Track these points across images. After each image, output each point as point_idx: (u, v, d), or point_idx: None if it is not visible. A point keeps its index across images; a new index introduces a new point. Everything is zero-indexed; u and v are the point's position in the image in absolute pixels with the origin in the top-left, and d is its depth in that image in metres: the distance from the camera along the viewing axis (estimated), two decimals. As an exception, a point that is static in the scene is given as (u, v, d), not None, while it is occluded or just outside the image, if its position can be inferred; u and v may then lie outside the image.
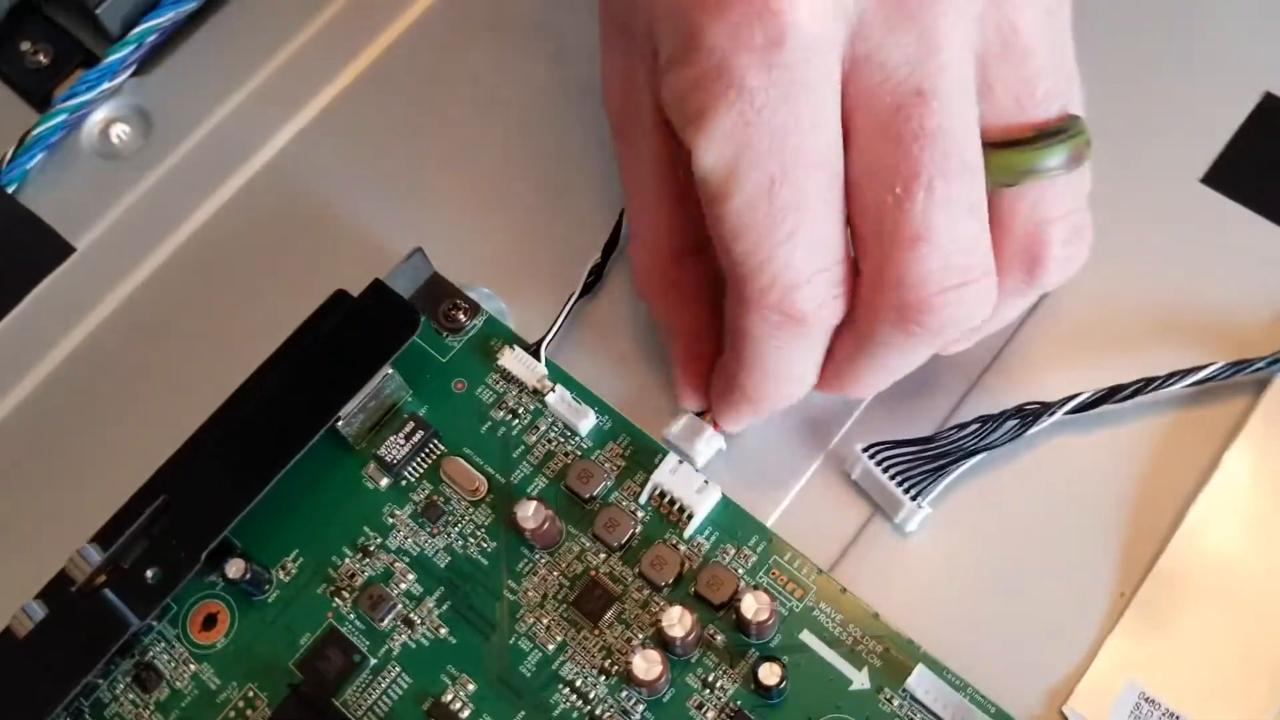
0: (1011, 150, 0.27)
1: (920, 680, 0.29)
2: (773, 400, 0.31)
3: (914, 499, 0.31)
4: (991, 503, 0.32)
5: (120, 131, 0.41)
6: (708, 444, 0.32)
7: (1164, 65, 0.36)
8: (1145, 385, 0.32)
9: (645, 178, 0.31)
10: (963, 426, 0.32)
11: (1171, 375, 0.32)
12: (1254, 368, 0.32)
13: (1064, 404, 0.32)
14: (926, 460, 0.32)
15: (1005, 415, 0.32)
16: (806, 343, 0.29)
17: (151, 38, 0.41)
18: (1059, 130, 0.27)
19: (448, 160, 0.39)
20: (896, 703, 0.30)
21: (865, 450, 0.32)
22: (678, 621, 0.30)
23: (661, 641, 0.30)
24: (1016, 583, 0.31)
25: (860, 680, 0.30)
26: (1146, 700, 0.29)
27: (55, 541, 0.32)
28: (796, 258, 0.27)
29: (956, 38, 0.26)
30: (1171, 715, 0.29)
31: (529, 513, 0.31)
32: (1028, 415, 0.32)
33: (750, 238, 0.27)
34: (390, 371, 0.33)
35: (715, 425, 0.33)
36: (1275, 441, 0.32)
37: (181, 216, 0.39)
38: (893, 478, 0.32)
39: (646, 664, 0.29)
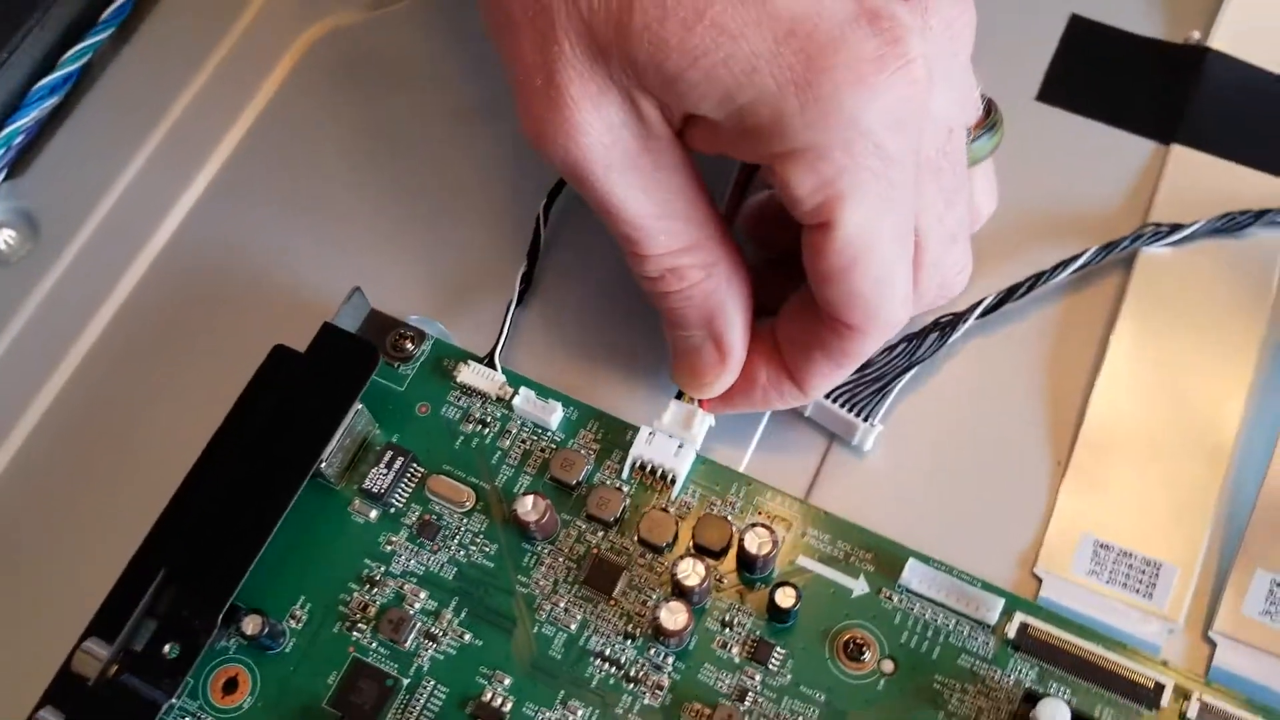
0: (972, 147, 0.32)
1: (912, 573, 0.33)
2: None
3: (866, 420, 0.35)
4: (931, 409, 0.36)
5: (6, 238, 0.40)
6: (701, 425, 0.35)
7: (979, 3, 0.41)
8: (1036, 280, 0.36)
9: (681, 183, 0.31)
10: (892, 348, 0.35)
11: (1056, 267, 0.36)
12: (1121, 247, 0.36)
13: (972, 310, 0.36)
14: (868, 384, 0.35)
15: (926, 331, 0.36)
16: None
17: (19, 140, 0.41)
18: (993, 123, 0.32)
19: (350, 201, 0.40)
20: (896, 598, 0.33)
21: None
22: (692, 571, 0.32)
23: (678, 593, 0.32)
24: (969, 473, 0.35)
25: (860, 587, 0.33)
26: (1101, 546, 0.34)
27: (31, 641, 0.33)
28: (906, 281, 0.31)
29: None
30: (1125, 553, 0.33)
31: (529, 507, 0.33)
32: (944, 326, 0.36)
33: (885, 285, 0.30)
34: (360, 407, 0.34)
35: (703, 405, 0.35)
36: (1150, 306, 0.36)
37: (92, 310, 0.39)
38: (843, 406, 0.35)
39: (672, 614, 0.32)
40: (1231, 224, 0.36)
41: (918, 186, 0.30)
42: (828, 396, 0.35)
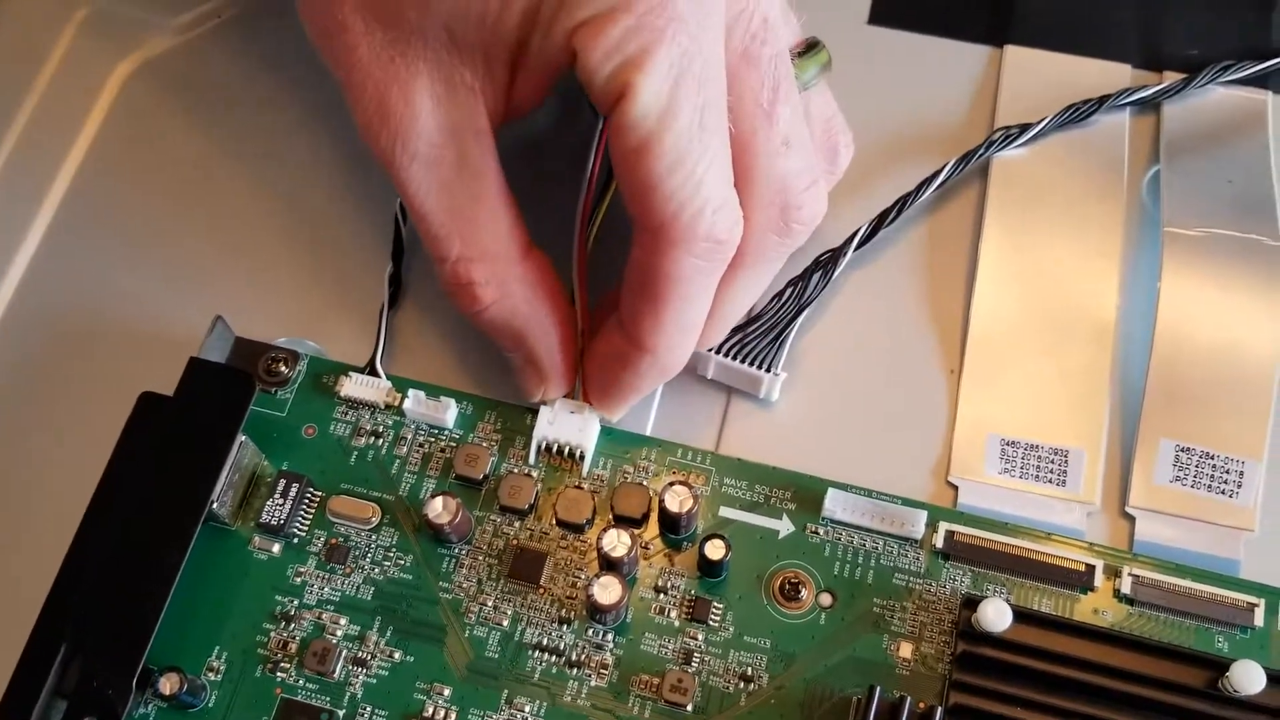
0: (796, 61, 0.31)
1: (833, 503, 0.32)
2: (682, 355, 0.32)
3: (768, 371, 0.34)
4: (824, 345, 0.36)
5: None
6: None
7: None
8: (903, 203, 0.36)
9: (482, 190, 0.31)
10: (779, 295, 0.35)
11: (919, 187, 0.36)
12: (976, 157, 0.37)
13: (849, 243, 0.36)
14: (763, 335, 0.35)
15: (808, 271, 0.35)
16: (717, 276, 0.31)
17: None
18: (815, 43, 0.32)
19: (194, 231, 0.38)
20: (822, 531, 0.33)
21: (709, 349, 0.35)
22: (618, 542, 0.31)
23: (608, 567, 0.32)
24: (870, 397, 0.35)
25: (785, 527, 0.33)
26: (1008, 444, 0.34)
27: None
28: (718, 182, 0.29)
29: None
30: (1031, 446, 0.34)
31: (440, 508, 0.32)
32: (825, 264, 0.35)
33: (683, 169, 0.28)
34: (244, 439, 0.33)
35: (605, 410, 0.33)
36: (1012, 207, 0.37)
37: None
38: (744, 361, 0.35)
39: (605, 589, 0.31)
40: (1077, 115, 0.37)
41: (735, 75, 0.29)
42: (727, 354, 0.35)
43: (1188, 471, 0.33)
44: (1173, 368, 0.34)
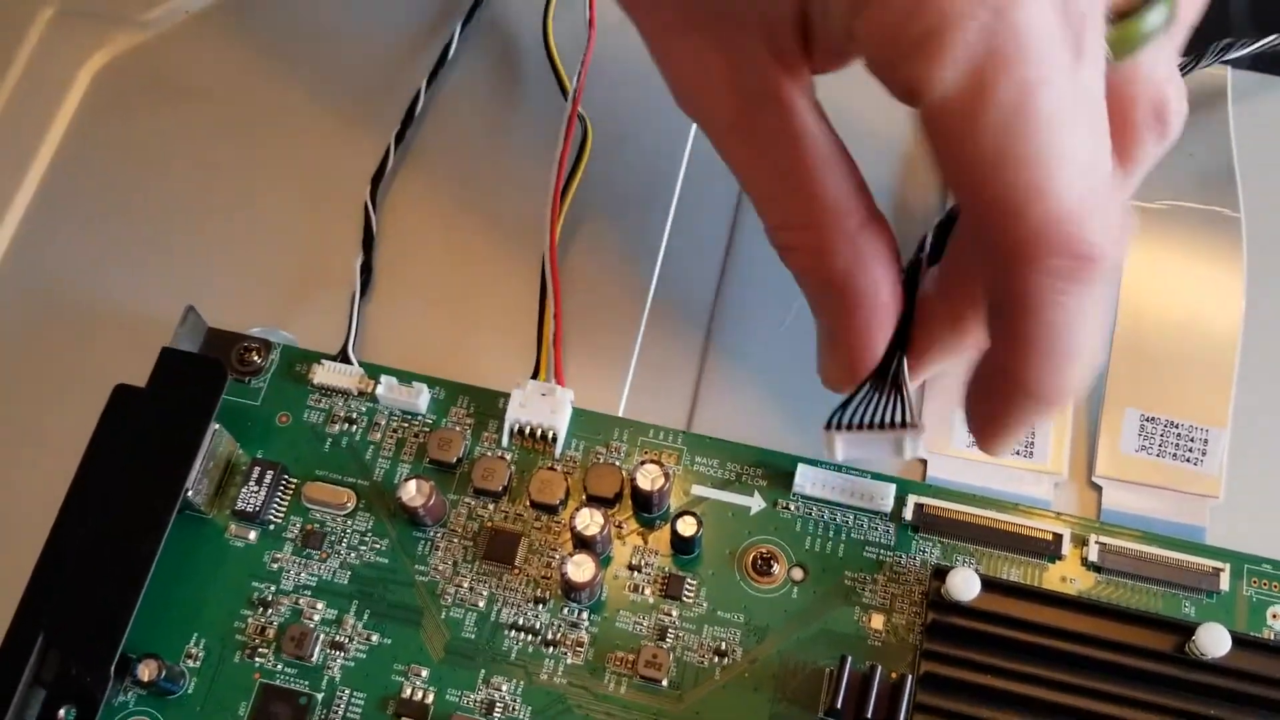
0: (1128, 20, 0.25)
1: (804, 478, 0.33)
2: (1066, 390, 0.25)
3: (905, 425, 0.29)
4: (795, 323, 0.36)
5: None
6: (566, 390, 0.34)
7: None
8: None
9: (800, 157, 0.27)
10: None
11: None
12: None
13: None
14: (875, 391, 0.29)
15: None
16: (1100, 293, 0.24)
17: None
18: None
19: (168, 223, 0.38)
20: (794, 506, 0.33)
21: (831, 427, 0.29)
22: (591, 520, 0.32)
23: (581, 546, 0.32)
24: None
25: (756, 503, 0.33)
26: (972, 416, 0.34)
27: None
28: (1076, 173, 0.23)
29: None
30: (1000, 420, 0.34)
31: (413, 491, 0.32)
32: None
33: (1013, 162, 0.22)
34: (217, 427, 0.33)
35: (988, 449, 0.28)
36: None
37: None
38: (882, 427, 0.29)
39: (579, 567, 0.31)
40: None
41: None
42: (859, 427, 0.29)
43: (1153, 440, 0.33)
44: (1137, 338, 0.34)
